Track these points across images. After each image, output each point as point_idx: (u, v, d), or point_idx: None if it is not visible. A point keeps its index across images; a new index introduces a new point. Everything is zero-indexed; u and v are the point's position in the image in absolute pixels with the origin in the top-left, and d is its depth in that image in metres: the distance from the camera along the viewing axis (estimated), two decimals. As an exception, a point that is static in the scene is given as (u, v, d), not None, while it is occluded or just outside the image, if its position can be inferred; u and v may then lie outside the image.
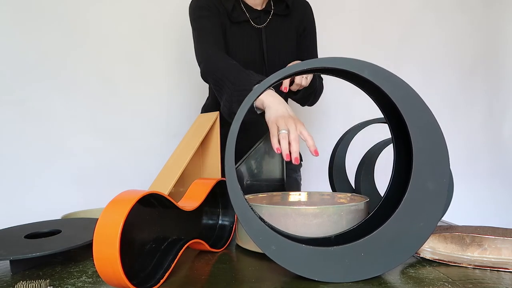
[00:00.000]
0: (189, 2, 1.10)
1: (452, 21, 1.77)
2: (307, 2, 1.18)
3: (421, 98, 0.58)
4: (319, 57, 1.19)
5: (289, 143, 0.69)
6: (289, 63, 1.22)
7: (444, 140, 0.57)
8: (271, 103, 0.77)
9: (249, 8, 1.08)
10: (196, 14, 1.06)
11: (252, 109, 0.80)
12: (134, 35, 1.51)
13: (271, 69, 1.14)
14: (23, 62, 1.40)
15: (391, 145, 0.87)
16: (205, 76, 1.00)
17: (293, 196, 0.87)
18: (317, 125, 1.68)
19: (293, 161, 0.67)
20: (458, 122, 1.75)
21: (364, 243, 0.55)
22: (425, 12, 1.75)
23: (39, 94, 1.42)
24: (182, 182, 0.88)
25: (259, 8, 1.10)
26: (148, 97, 1.53)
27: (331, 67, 0.58)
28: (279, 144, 0.69)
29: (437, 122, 0.58)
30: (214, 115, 0.89)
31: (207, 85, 1.56)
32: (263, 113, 0.80)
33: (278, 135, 0.69)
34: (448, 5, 1.76)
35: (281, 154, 0.99)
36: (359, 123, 0.95)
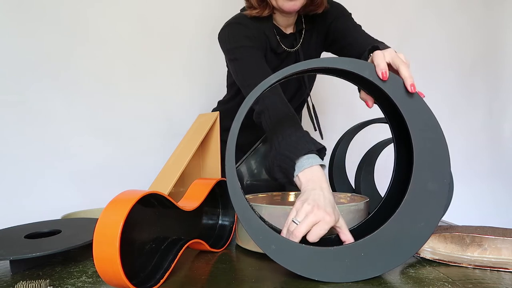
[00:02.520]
0: (222, 26, 0.98)
1: (452, 21, 1.77)
2: (333, 2, 1.05)
3: (421, 98, 0.58)
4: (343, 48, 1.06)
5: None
6: (312, 82, 1.15)
7: (445, 141, 0.57)
8: (307, 187, 0.63)
9: (282, 34, 1.00)
10: (239, 43, 0.93)
11: (290, 176, 0.67)
12: (134, 35, 1.51)
13: (297, 91, 1.11)
14: (23, 62, 1.40)
15: (391, 145, 0.87)
16: (259, 119, 0.84)
17: (293, 196, 0.87)
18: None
19: None
20: (458, 122, 1.75)
21: (364, 243, 0.55)
22: (425, 12, 1.75)
23: (39, 94, 1.42)
24: (182, 182, 0.88)
25: (291, 31, 1.02)
26: (148, 97, 1.53)
27: (332, 68, 0.58)
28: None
29: (438, 123, 0.58)
30: (214, 115, 0.89)
31: (206, 85, 1.57)
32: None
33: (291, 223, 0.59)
34: (448, 5, 1.76)
35: None
36: (359, 123, 0.95)
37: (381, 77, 0.58)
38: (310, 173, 0.64)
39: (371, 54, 0.63)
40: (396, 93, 0.58)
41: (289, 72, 0.58)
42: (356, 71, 0.58)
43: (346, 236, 0.59)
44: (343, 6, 1.04)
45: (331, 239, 0.62)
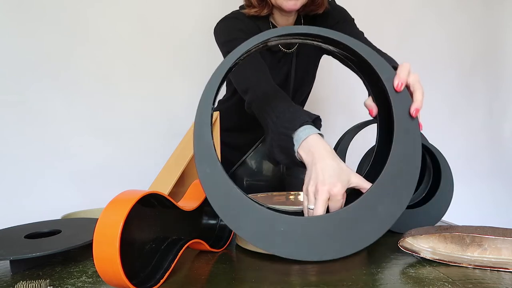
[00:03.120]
0: (218, 21, 0.98)
1: (452, 20, 1.77)
2: (337, 6, 1.04)
3: (418, 124, 0.59)
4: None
5: None
6: (310, 85, 1.15)
7: (419, 129, 0.58)
8: (309, 160, 0.61)
9: None
10: (232, 35, 0.93)
11: (294, 159, 0.65)
12: (134, 35, 1.51)
13: (295, 93, 1.10)
14: (23, 62, 1.40)
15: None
16: (250, 108, 0.83)
17: (293, 196, 0.87)
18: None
19: None
20: (458, 122, 1.75)
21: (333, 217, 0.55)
22: (424, 12, 1.75)
23: (39, 94, 1.42)
24: (182, 182, 0.88)
25: None
26: (148, 97, 1.53)
27: (348, 50, 0.58)
28: None
29: (421, 151, 0.59)
30: (214, 115, 0.89)
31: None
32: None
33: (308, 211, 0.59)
34: (448, 5, 1.76)
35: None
36: (359, 123, 0.95)
37: (395, 86, 0.58)
38: (307, 145, 0.62)
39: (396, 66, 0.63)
40: (398, 108, 0.58)
41: (286, 32, 0.56)
42: (377, 69, 0.57)
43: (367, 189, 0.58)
44: (346, 11, 1.02)
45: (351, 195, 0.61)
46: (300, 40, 0.61)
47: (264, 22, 0.97)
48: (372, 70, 0.58)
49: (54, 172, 1.43)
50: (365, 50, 0.57)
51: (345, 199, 0.58)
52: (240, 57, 0.56)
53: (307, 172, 0.61)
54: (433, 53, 1.76)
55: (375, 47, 0.96)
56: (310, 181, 0.58)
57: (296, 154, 0.64)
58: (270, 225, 0.53)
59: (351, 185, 0.58)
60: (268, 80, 0.81)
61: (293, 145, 0.64)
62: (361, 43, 0.58)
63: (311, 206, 0.57)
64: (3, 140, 1.38)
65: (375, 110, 0.65)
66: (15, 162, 1.39)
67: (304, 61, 1.04)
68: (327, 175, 0.57)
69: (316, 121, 0.67)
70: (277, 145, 0.66)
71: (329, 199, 0.56)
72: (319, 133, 0.64)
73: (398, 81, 0.58)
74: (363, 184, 0.59)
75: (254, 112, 0.79)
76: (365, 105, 0.67)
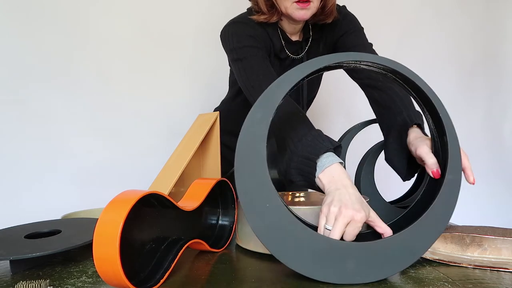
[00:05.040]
0: (224, 25, 0.95)
1: (452, 20, 1.77)
2: (347, 14, 1.01)
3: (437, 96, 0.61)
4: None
5: None
6: (317, 89, 1.13)
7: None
8: (330, 187, 0.62)
9: (288, 40, 0.98)
10: (243, 42, 0.90)
11: (311, 177, 0.65)
12: (135, 35, 1.51)
13: (308, 102, 1.09)
14: (23, 62, 1.40)
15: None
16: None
17: (293, 196, 0.87)
18: (317, 125, 1.66)
19: None
20: (458, 122, 1.75)
21: (376, 245, 0.54)
22: (424, 12, 1.75)
23: (40, 94, 1.42)
24: (182, 182, 0.88)
25: (297, 39, 1.00)
26: (148, 97, 1.53)
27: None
28: None
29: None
30: (214, 115, 0.89)
31: (207, 85, 1.57)
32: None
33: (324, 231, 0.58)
34: (448, 5, 1.76)
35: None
36: (359, 123, 0.95)
37: (470, 180, 0.68)
38: (330, 172, 0.63)
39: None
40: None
41: (314, 69, 0.56)
42: (432, 99, 0.61)
43: (382, 229, 0.58)
44: (356, 20, 1.01)
45: (368, 234, 0.61)
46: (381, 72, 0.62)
47: (273, 29, 0.95)
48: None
49: (54, 172, 1.43)
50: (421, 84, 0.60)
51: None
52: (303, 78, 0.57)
53: (327, 195, 0.61)
54: (433, 53, 1.76)
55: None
56: (334, 201, 0.58)
57: (316, 179, 0.64)
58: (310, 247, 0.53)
59: (369, 219, 0.59)
60: (288, 97, 0.80)
61: (315, 170, 0.64)
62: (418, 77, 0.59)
63: (329, 227, 0.56)
64: (3, 140, 1.38)
65: (433, 170, 0.66)
66: (15, 162, 1.39)
67: None
68: (354, 200, 0.58)
69: (337, 149, 0.68)
70: (296, 167, 0.66)
71: (348, 224, 0.56)
72: (340, 162, 0.64)
73: (471, 175, 0.68)
74: (379, 223, 0.59)
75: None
76: (418, 156, 0.72)
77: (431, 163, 0.65)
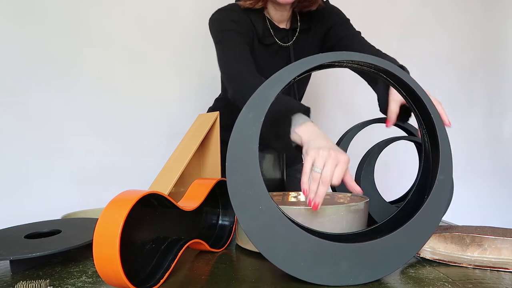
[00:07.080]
0: (212, 13, 0.99)
1: (452, 20, 1.77)
2: (333, 7, 1.07)
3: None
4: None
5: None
6: (308, 81, 1.15)
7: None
8: (310, 137, 0.65)
9: (275, 27, 1.01)
10: (225, 26, 0.94)
11: (288, 141, 0.69)
12: (135, 36, 1.51)
13: (299, 89, 1.10)
14: (23, 63, 1.40)
15: (391, 145, 0.87)
16: (235, 99, 0.87)
17: (293, 196, 0.87)
18: (317, 125, 1.68)
19: (312, 207, 0.58)
20: (458, 122, 1.75)
21: (368, 246, 0.54)
22: (425, 12, 1.75)
23: (40, 95, 1.42)
24: (182, 182, 0.88)
25: (284, 27, 1.03)
26: (148, 98, 1.53)
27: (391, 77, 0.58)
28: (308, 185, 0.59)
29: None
30: (214, 115, 0.89)
31: (207, 85, 1.56)
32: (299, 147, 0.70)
33: (311, 173, 0.59)
34: (448, 5, 1.76)
35: (280, 154, 0.98)
36: (359, 123, 0.95)
37: (447, 123, 0.68)
38: (306, 127, 0.68)
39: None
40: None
41: (310, 66, 0.57)
42: (422, 97, 0.58)
43: (350, 181, 0.62)
44: (341, 12, 1.06)
45: (359, 235, 0.61)
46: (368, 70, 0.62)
47: (257, 15, 0.98)
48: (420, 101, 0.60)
49: (54, 172, 1.43)
50: (409, 80, 0.59)
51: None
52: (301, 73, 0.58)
53: (310, 142, 0.64)
54: (433, 53, 1.76)
55: (374, 47, 0.96)
56: (322, 147, 0.60)
57: (292, 135, 0.68)
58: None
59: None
60: (253, 72, 0.86)
61: (290, 127, 0.67)
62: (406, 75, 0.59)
63: (318, 169, 0.58)
64: (4, 140, 1.38)
65: (391, 123, 0.74)
66: (15, 162, 1.39)
67: (303, 55, 1.04)
68: (336, 147, 0.62)
69: (307, 112, 0.72)
70: (272, 124, 0.69)
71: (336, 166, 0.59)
72: (311, 120, 0.70)
73: (447, 119, 0.70)
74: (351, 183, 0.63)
75: (239, 103, 0.82)
76: (383, 112, 0.75)
77: (391, 110, 0.75)
